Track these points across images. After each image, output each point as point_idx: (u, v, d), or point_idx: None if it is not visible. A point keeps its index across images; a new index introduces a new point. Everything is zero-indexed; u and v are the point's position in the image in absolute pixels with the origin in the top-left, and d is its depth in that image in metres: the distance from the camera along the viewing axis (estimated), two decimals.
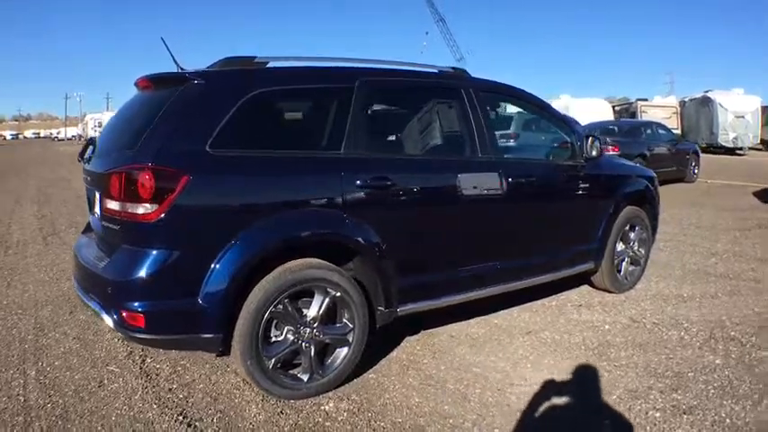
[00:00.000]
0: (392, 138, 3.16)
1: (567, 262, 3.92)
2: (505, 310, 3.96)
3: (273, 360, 2.58)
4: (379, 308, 2.91)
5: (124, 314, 2.37)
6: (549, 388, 2.84)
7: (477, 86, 3.41)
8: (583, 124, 15.11)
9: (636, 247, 4.52)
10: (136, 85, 2.89)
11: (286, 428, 2.45)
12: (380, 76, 3.05)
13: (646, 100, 22.88)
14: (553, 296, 4.30)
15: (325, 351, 2.78)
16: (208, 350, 2.63)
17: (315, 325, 2.67)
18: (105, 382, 2.85)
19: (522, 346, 3.36)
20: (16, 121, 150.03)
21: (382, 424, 2.48)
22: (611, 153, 5.86)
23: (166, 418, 2.51)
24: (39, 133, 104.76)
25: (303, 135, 2.81)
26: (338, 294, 2.70)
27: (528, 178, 3.46)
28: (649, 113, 19.04)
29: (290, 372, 2.68)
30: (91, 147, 2.94)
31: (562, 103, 22.89)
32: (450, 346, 3.35)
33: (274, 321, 2.60)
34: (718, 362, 3.08)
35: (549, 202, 3.70)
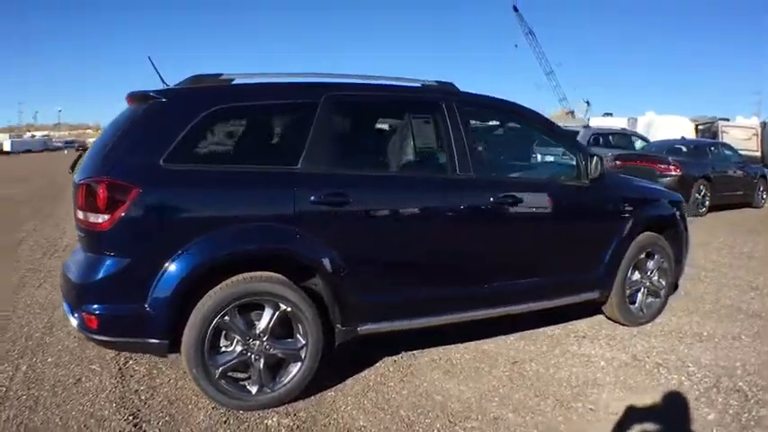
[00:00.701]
0: (356, 154, 3.07)
1: (564, 289, 3.62)
2: (503, 336, 3.70)
3: (220, 369, 2.59)
4: (338, 325, 2.85)
5: (84, 316, 2.52)
6: (501, 429, 2.61)
7: (462, 101, 3.27)
8: (651, 141, 14.20)
9: (655, 278, 4.09)
10: (126, 99, 3.09)
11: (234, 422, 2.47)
12: (349, 91, 3.00)
13: (728, 120, 21.11)
14: (560, 324, 3.97)
15: (280, 365, 2.78)
16: (156, 355, 2.71)
17: (264, 338, 2.66)
18: (83, 379, 3.01)
19: (500, 377, 3.12)
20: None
21: None
22: (630, 176, 5.38)
23: (118, 416, 2.60)
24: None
25: (260, 150, 2.83)
26: (289, 309, 2.67)
27: (513, 198, 3.24)
28: (730, 134, 17.45)
29: (240, 383, 2.69)
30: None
31: (646, 120, 21.66)
32: (424, 371, 3.18)
33: (224, 332, 2.63)
34: (710, 417, 2.67)
35: (540, 224, 3.44)
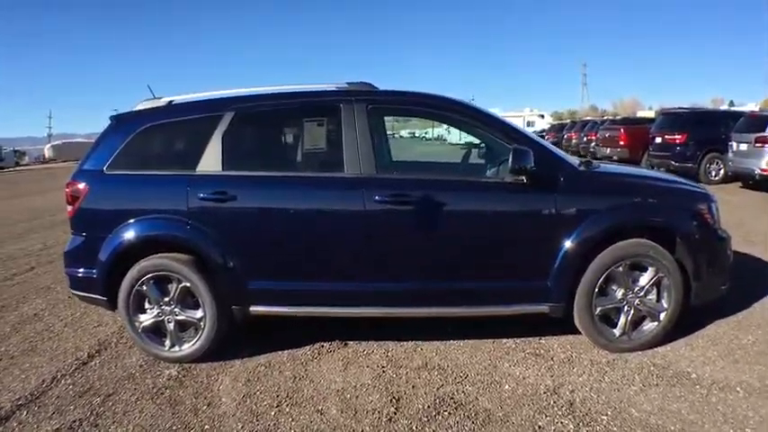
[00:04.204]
0: (248, 157, 3.17)
1: (497, 297, 3.06)
2: (462, 341, 3.31)
3: (143, 325, 3.14)
4: (233, 306, 3.14)
5: (67, 276, 3.34)
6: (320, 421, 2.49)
7: (371, 101, 3.11)
8: None
9: (649, 297, 3.09)
10: None
11: (141, 374, 3.01)
12: (252, 102, 3.15)
13: None
14: (527, 338, 3.34)
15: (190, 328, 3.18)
16: (104, 308, 3.41)
17: (173, 306, 3.13)
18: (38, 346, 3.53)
19: (391, 379, 2.91)
20: None
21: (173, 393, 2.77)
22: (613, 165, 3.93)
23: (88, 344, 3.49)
24: (413, 133, 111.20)
25: (171, 157, 3.21)
26: (188, 285, 3.08)
27: (414, 196, 2.93)
28: None
29: (160, 338, 3.20)
30: None
31: None
32: (327, 361, 3.11)
33: (147, 298, 3.21)
34: None
35: (455, 224, 2.98)
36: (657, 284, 3.07)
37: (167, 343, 3.18)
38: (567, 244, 2.96)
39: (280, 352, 3.28)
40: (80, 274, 3.24)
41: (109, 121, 3.31)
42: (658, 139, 12.00)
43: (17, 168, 35.11)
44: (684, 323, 3.32)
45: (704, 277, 3.13)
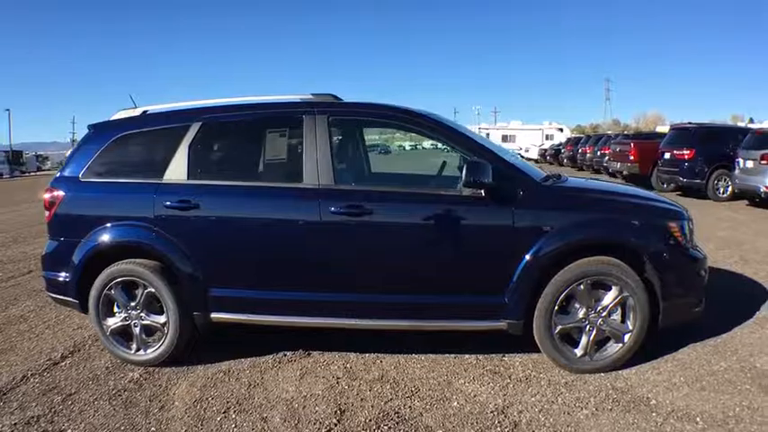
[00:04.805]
0: (211, 166, 3.22)
1: (452, 312, 3.00)
2: (414, 355, 3.26)
3: (111, 328, 3.21)
4: (195, 312, 3.17)
5: (43, 278, 3.44)
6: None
7: (334, 112, 3.13)
8: None
9: (613, 317, 2.97)
10: None
11: (105, 375, 3.07)
12: (218, 113, 3.22)
13: None
14: (490, 355, 3.25)
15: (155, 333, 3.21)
16: (77, 310, 3.49)
17: (140, 310, 3.18)
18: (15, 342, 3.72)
19: (317, 398, 2.81)
20: None
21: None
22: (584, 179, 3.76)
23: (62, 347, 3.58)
24: (437, 144, 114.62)
25: (142, 165, 3.27)
26: (153, 290, 3.14)
27: (366, 209, 2.91)
28: None
29: (128, 341, 3.25)
30: None
31: None
32: (283, 371, 3.10)
33: (115, 302, 3.27)
34: None
35: (403, 237, 2.95)
36: (622, 304, 2.96)
37: (134, 346, 3.24)
38: (525, 260, 2.89)
39: (243, 359, 3.30)
40: (55, 278, 3.35)
41: (87, 130, 3.44)
42: (667, 155, 11.65)
43: (38, 173, 36.62)
44: (657, 346, 3.19)
45: (674, 298, 3.00)
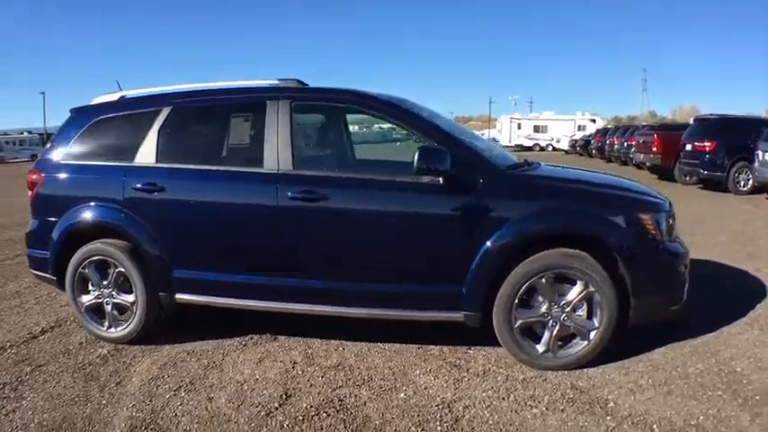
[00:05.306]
0: (178, 150, 3.19)
1: (409, 301, 2.91)
2: (379, 343, 3.20)
3: (85, 305, 3.31)
4: (160, 292, 3.22)
5: (27, 256, 3.58)
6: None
7: (297, 98, 3.06)
8: None
9: (577, 313, 2.81)
10: None
11: (77, 350, 3.19)
12: (188, 98, 3.22)
13: None
14: (456, 347, 3.14)
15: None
16: (55, 286, 3.59)
17: (109, 288, 3.27)
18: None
19: (268, 382, 2.78)
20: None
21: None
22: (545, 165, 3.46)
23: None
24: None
25: (116, 149, 3.30)
26: (122, 270, 3.21)
27: (321, 194, 2.85)
28: None
29: (101, 318, 3.32)
30: None
31: None
32: (239, 355, 3.10)
33: (89, 280, 3.36)
34: None
35: (359, 223, 2.88)
36: (588, 300, 2.79)
37: (106, 324, 3.33)
38: (482, 250, 2.76)
39: (210, 341, 3.33)
40: (36, 255, 3.47)
41: (69, 114, 3.53)
42: (688, 147, 11.07)
43: None
44: (632, 345, 3.02)
45: (646, 295, 2.81)
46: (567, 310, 2.80)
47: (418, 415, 2.45)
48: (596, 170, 3.98)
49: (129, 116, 3.35)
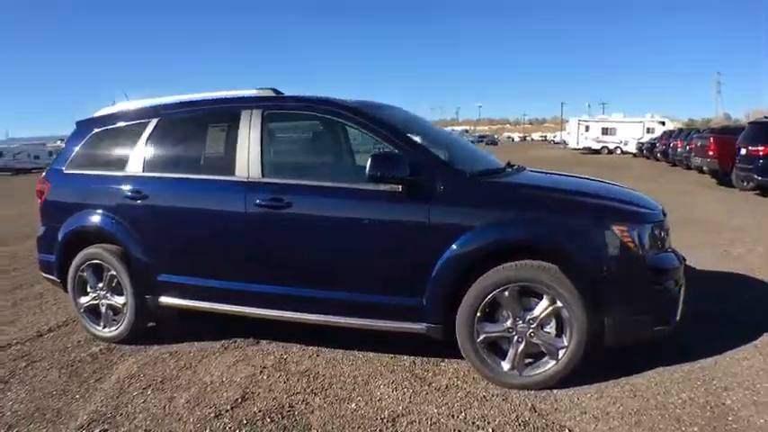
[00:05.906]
0: (162, 160, 3.33)
1: (372, 311, 2.85)
2: (354, 351, 3.18)
3: (84, 306, 3.55)
4: (146, 295, 3.36)
5: (38, 260, 3.87)
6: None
7: (269, 107, 3.14)
8: None
9: (544, 330, 2.63)
10: None
11: (73, 348, 3.39)
12: (173, 110, 3.39)
13: None
14: (428, 358, 3.05)
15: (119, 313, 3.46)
16: (60, 288, 3.84)
17: (104, 290, 3.49)
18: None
19: (231, 385, 2.87)
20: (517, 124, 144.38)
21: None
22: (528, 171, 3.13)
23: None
24: (545, 136, 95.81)
25: (111, 159, 3.53)
26: (113, 273, 3.42)
27: (286, 201, 2.89)
28: None
29: (98, 319, 3.54)
30: None
31: None
32: (216, 357, 3.18)
33: (87, 282, 3.59)
34: None
35: (321, 230, 2.88)
36: (557, 316, 2.61)
37: (101, 324, 3.55)
38: (440, 261, 2.67)
39: (195, 343, 3.44)
40: (45, 259, 3.77)
41: (75, 126, 3.84)
42: (743, 151, 10.17)
43: None
44: (616, 367, 2.80)
45: (621, 314, 2.58)
46: (534, 326, 2.63)
47: (360, 427, 2.39)
48: (595, 178, 3.71)
49: (125, 127, 3.58)
